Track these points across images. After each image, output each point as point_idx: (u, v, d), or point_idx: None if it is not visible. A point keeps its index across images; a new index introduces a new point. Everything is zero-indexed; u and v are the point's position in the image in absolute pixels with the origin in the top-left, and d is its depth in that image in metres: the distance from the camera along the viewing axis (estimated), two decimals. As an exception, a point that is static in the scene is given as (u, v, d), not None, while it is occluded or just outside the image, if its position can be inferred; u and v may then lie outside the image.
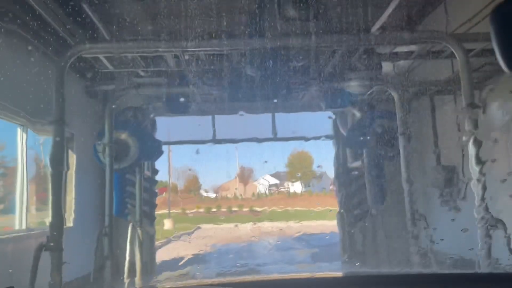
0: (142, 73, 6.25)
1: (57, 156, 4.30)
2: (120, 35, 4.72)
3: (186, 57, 5.50)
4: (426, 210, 7.46)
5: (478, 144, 4.52)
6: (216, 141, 10.27)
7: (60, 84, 4.50)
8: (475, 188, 4.53)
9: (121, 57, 5.81)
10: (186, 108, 6.94)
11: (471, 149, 4.53)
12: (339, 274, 2.38)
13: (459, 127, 7.03)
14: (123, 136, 7.75)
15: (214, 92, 6.27)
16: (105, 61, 5.70)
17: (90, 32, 4.76)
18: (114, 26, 4.81)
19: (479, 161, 4.46)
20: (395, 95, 6.40)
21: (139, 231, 8.39)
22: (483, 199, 4.45)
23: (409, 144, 6.60)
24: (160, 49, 4.66)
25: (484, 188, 4.50)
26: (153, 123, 8.61)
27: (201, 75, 6.06)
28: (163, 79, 6.18)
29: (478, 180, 4.39)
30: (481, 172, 4.47)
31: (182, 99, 6.61)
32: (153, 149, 8.11)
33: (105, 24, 4.78)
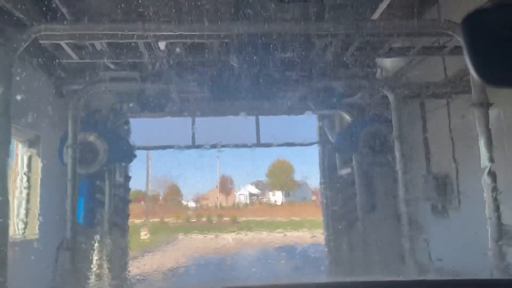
0: (112, 66, 5.57)
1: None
2: (83, 16, 4.06)
3: (162, 47, 4.86)
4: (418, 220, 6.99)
5: (490, 147, 4.01)
6: (195, 146, 9.61)
7: (9, 71, 3.80)
8: (488, 197, 4.01)
9: (87, 47, 5.13)
10: (161, 107, 6.27)
11: (483, 153, 4.01)
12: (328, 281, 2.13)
13: (451, 133, 6.62)
14: (91, 138, 7.02)
15: (192, 88, 5.63)
16: (69, 51, 5.01)
17: (49, 12, 4.08)
18: (77, 7, 4.14)
19: (492, 168, 3.95)
20: (390, 96, 5.89)
21: (108, 244, 7.63)
22: (497, 208, 3.93)
23: (403, 149, 6.09)
24: (130, 33, 4.01)
25: (497, 198, 3.99)
26: (126, 125, 7.90)
27: (178, 69, 5.42)
28: (135, 74, 5.51)
29: (492, 189, 3.87)
30: (494, 181, 3.96)
31: (156, 97, 5.95)
32: (124, 153, 7.40)
33: (66, 4, 4.11)
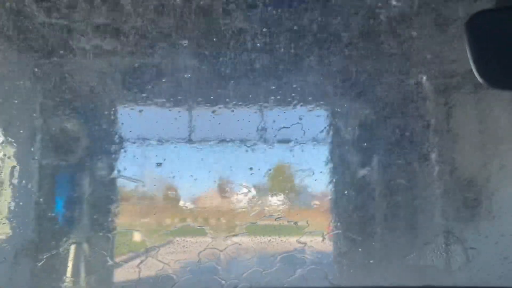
0: (89, 33, 4.63)
1: None
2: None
3: (151, 6, 3.93)
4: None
5: None
6: (192, 141, 8.76)
7: None
8: None
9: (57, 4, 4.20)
10: (152, 90, 5.36)
11: None
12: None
13: (482, 127, 5.84)
14: (70, 125, 6.14)
15: (190, 62, 4.72)
16: (33, 7, 4.07)
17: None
18: None
19: None
20: (425, 83, 4.98)
21: (87, 248, 6.75)
22: None
23: (438, 147, 5.23)
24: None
25: None
26: (112, 111, 7.03)
27: (170, 38, 4.50)
28: (117, 44, 4.60)
29: None
30: None
31: (145, 76, 5.04)
32: (109, 144, 6.51)
33: None
